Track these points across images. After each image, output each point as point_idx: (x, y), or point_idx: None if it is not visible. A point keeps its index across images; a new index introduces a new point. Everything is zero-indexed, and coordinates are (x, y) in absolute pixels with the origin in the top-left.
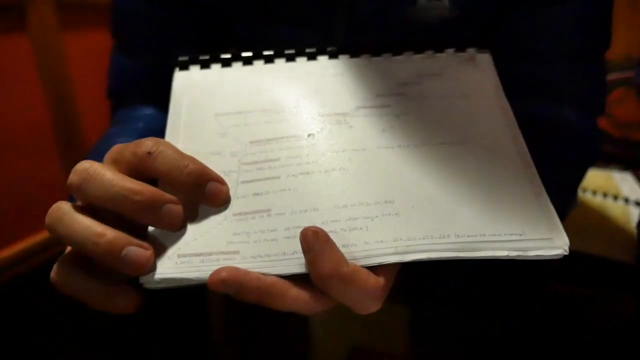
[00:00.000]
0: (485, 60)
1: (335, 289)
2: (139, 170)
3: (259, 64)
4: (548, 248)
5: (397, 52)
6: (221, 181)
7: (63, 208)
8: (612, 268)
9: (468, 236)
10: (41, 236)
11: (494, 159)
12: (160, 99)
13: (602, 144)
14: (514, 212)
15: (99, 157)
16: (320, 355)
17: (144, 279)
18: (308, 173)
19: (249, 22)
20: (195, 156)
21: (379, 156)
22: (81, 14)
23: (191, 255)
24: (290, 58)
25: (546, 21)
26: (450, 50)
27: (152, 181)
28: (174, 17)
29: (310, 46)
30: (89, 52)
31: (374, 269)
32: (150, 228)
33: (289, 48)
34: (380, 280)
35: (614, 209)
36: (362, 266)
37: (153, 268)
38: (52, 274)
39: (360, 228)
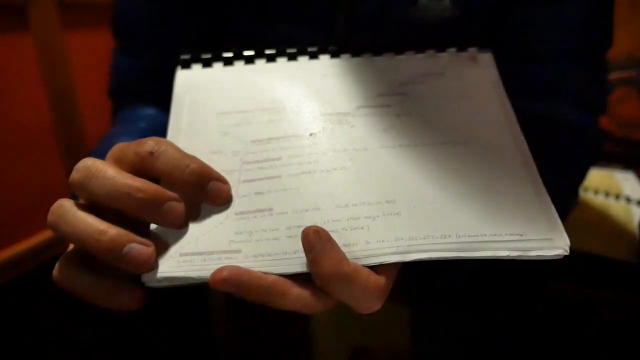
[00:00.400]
0: (486, 59)
1: (337, 288)
2: (141, 169)
3: (260, 62)
4: (549, 248)
5: (399, 51)
6: (223, 180)
7: (65, 205)
8: (614, 267)
9: (469, 236)
10: (43, 236)
11: (495, 159)
12: (162, 98)
13: (603, 143)
14: (515, 212)
15: (101, 157)
16: (321, 354)
17: (145, 278)
18: (309, 172)
19: (250, 21)
20: (196, 155)
21: (380, 156)
22: (83, 14)
23: (193, 254)
24: (292, 57)
25: (547, 20)
26: (452, 50)
27: (155, 180)
28: (176, 17)
29: (311, 45)
30: (91, 52)
31: (375, 268)
32: (153, 226)
33: (291, 47)
34: (382, 279)
35: (616, 208)
36: (364, 265)
37: (155, 266)
38: (55, 271)
39: (362, 227)
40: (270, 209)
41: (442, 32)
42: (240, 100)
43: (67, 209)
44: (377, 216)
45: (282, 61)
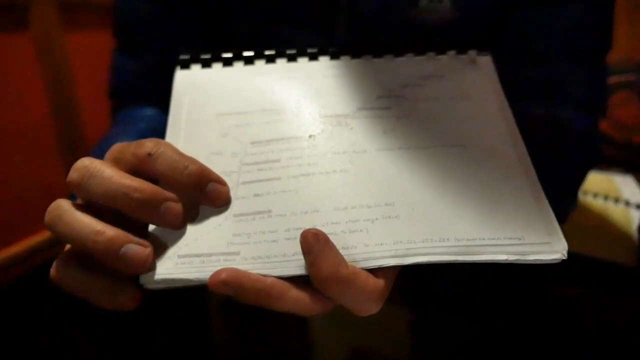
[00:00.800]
0: (486, 62)
1: (335, 290)
2: (140, 170)
3: (260, 63)
4: (547, 252)
5: (398, 53)
6: (221, 182)
7: (62, 206)
8: (613, 270)
9: (467, 240)
10: (42, 236)
11: (494, 162)
12: (162, 99)
13: (603, 146)
14: (514, 215)
15: (99, 157)
16: (320, 356)
17: (143, 279)
18: (309, 174)
19: (250, 22)
20: (196, 156)
21: (380, 158)
22: (83, 14)
23: (191, 256)
24: (292, 58)
25: (547, 23)
26: (452, 52)
27: (153, 181)
28: (175, 17)
29: (311, 46)
30: (91, 52)
31: (374, 271)
32: (151, 228)
33: (290, 48)
34: (380, 282)
35: (615, 211)
36: (362, 268)
37: (153, 268)
38: (52, 270)
39: (361, 230)
40: (269, 211)
41: (442, 34)
42: (239, 101)
43: (64, 209)
44: (376, 219)
45: (281, 62)
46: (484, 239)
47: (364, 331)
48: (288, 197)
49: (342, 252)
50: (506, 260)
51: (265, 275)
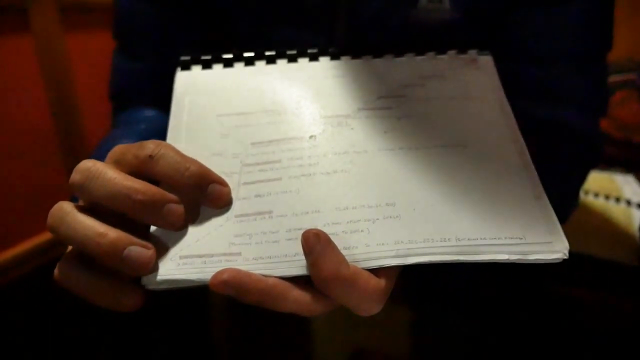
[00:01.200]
0: (486, 62)
1: (337, 291)
2: (141, 172)
3: (260, 64)
4: (548, 252)
5: (399, 53)
6: (222, 183)
7: (65, 208)
8: (614, 270)
9: (469, 239)
10: (44, 237)
11: (495, 162)
12: (162, 100)
13: (604, 146)
14: (515, 215)
15: (100, 159)
16: (321, 356)
17: (145, 280)
18: (310, 175)
19: (250, 23)
20: (197, 157)
21: (381, 158)
22: (84, 16)
23: (193, 257)
24: (292, 59)
25: (548, 23)
26: (452, 52)
27: (155, 182)
28: (176, 19)
29: (311, 47)
30: (92, 54)
31: (375, 271)
32: (153, 229)
33: (291, 49)
34: (382, 282)
35: (616, 211)
36: (363, 268)
37: (155, 269)
38: (55, 271)
39: (362, 230)
40: (270, 212)
41: (442, 35)
42: (240, 102)
43: (67, 212)
44: (377, 219)
45: (282, 63)
46: (485, 238)
47: (365, 331)
48: (289, 197)
49: (343, 252)
50: (507, 260)
51: (266, 276)
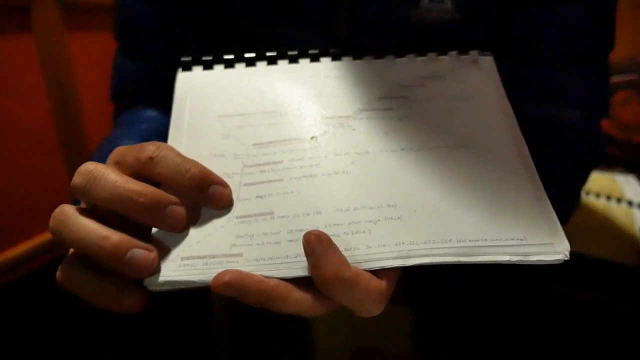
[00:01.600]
0: (487, 62)
1: (338, 292)
2: (142, 175)
3: (261, 65)
4: (549, 253)
5: (400, 54)
6: (223, 184)
7: (67, 211)
8: (616, 271)
9: (470, 241)
10: (45, 237)
11: (496, 163)
12: (164, 100)
13: (605, 146)
14: (516, 216)
15: (102, 160)
16: (323, 356)
17: (147, 282)
18: (311, 176)
19: (251, 24)
20: (198, 158)
21: (382, 159)
22: (86, 16)
23: (195, 258)
24: (293, 59)
25: (549, 23)
26: (453, 53)
27: (156, 184)
28: (177, 19)
29: (313, 47)
30: (94, 54)
31: (377, 272)
32: (154, 230)
33: (292, 49)
34: (383, 283)
35: (617, 211)
36: (365, 269)
37: (157, 270)
38: (58, 274)
39: (363, 232)
40: (272, 213)
41: (443, 35)
42: (241, 103)
43: (69, 215)
44: (379, 220)
45: (283, 63)
46: (486, 239)
47: (366, 331)
48: (290, 198)
49: (344, 253)
50: (509, 261)
51: (268, 277)
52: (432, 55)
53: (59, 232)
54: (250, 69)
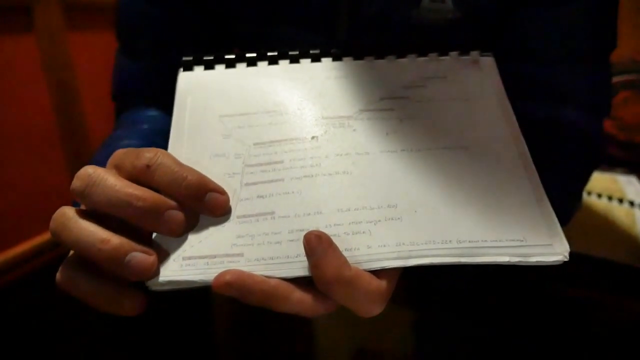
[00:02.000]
0: (488, 63)
1: (338, 292)
2: (140, 180)
3: (262, 65)
4: (548, 254)
5: (401, 54)
6: (221, 191)
7: (67, 213)
8: (617, 271)
9: (470, 241)
10: (46, 237)
11: (496, 164)
12: (165, 100)
13: (606, 146)
14: (516, 217)
15: (103, 160)
16: (324, 356)
17: (149, 282)
18: (312, 176)
19: (252, 24)
20: (199, 158)
21: (382, 160)
22: (87, 16)
23: (196, 258)
24: (294, 59)
25: (551, 22)
26: (454, 53)
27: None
28: (178, 19)
29: (313, 47)
30: (95, 54)
31: (377, 272)
32: None
33: (293, 49)
34: (383, 283)
35: (619, 212)
36: (365, 270)
37: (158, 271)
38: (58, 276)
39: (363, 232)
40: (273, 213)
41: (444, 35)
42: (242, 103)
43: (69, 217)
44: (379, 221)
45: (284, 63)
46: (486, 240)
47: (367, 331)
48: (291, 198)
49: (345, 253)
50: (508, 262)
51: (269, 277)
52: (433, 55)
53: (59, 234)
54: (251, 68)
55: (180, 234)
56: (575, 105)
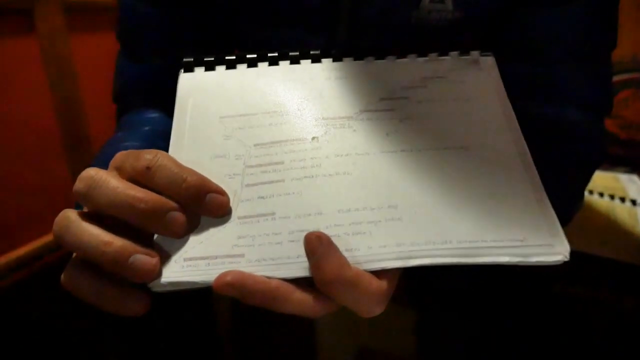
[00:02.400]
0: (488, 63)
1: (339, 292)
2: (140, 183)
3: (263, 66)
4: (549, 254)
5: (401, 55)
6: (221, 192)
7: (70, 216)
8: (619, 270)
9: (470, 242)
10: (50, 237)
11: (496, 164)
12: (166, 102)
13: (608, 145)
14: (516, 217)
15: (105, 162)
16: (326, 356)
17: (151, 283)
18: (312, 177)
19: (252, 25)
20: (200, 159)
21: (383, 161)
22: (89, 17)
23: (197, 259)
24: (295, 60)
25: (551, 21)
26: (454, 53)
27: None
28: (178, 20)
29: (313, 48)
30: (97, 55)
31: (377, 272)
32: None
33: (293, 50)
34: (383, 284)
35: (621, 211)
36: (365, 270)
37: (160, 273)
38: (63, 277)
39: (364, 232)
40: (273, 214)
41: (444, 35)
42: (243, 104)
43: (72, 220)
44: (379, 221)
45: (284, 64)
46: (486, 241)
47: (369, 331)
48: (292, 199)
49: (345, 254)
50: (508, 262)
51: (269, 277)
52: (433, 55)
53: (62, 237)
54: (252, 69)
55: (182, 235)
56: (576, 105)
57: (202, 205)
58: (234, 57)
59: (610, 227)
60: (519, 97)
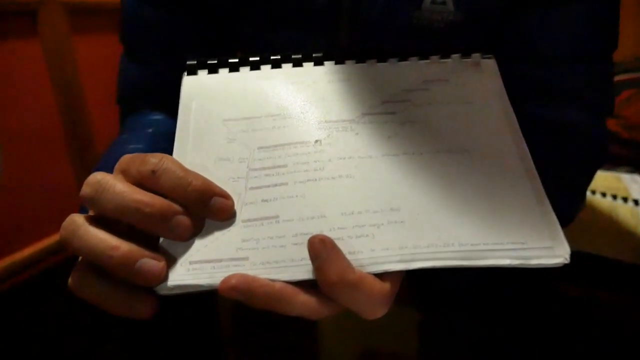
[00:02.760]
0: (490, 65)
1: (342, 295)
2: (145, 186)
3: (266, 68)
4: (549, 257)
5: (403, 57)
6: (225, 195)
7: (77, 221)
8: (621, 270)
9: (471, 245)
10: (54, 238)
11: (497, 167)
12: (169, 104)
13: (610, 145)
14: (517, 220)
15: (109, 165)
16: (329, 357)
17: (157, 287)
18: (315, 180)
19: (255, 28)
20: (204, 162)
21: (385, 164)
22: (92, 19)
23: (202, 262)
24: (297, 63)
25: (552, 22)
26: (456, 56)
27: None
28: (181, 23)
29: (315, 50)
30: (100, 57)
31: (380, 275)
32: None
33: (296, 53)
34: (386, 286)
35: (623, 210)
36: (368, 273)
37: (166, 276)
38: (70, 280)
39: (367, 235)
40: (277, 217)
41: (445, 37)
42: (246, 107)
43: (78, 225)
44: (382, 224)
45: (287, 67)
46: (487, 243)
47: (372, 332)
48: (295, 202)
49: (348, 257)
50: (509, 264)
51: (273, 280)
52: (434, 58)
53: (70, 241)
54: (255, 72)
55: (188, 239)
56: (578, 106)
57: (207, 209)
58: (237, 60)
59: (612, 227)
60: (519, 98)
